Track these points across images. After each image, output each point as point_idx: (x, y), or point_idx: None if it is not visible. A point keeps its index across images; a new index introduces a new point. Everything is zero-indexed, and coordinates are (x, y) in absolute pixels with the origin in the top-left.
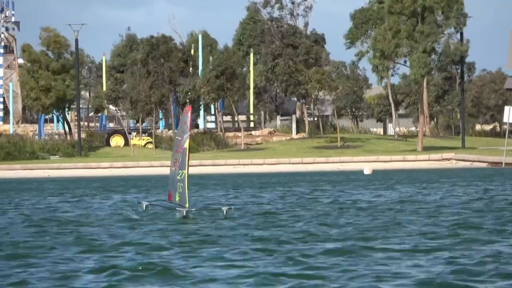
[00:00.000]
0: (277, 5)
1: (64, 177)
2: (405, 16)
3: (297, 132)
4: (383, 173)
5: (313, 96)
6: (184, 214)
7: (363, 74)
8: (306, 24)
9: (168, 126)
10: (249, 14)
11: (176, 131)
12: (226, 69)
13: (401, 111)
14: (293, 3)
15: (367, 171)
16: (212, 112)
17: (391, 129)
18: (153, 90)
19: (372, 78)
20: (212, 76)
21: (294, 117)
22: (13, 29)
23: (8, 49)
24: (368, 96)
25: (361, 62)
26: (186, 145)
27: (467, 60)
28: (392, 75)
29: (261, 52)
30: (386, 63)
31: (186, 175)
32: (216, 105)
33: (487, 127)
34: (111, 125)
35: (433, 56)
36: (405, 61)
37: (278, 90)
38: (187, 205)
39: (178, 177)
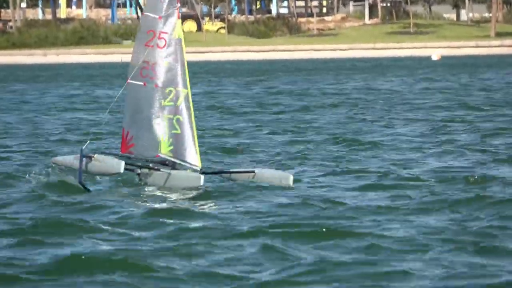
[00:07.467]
0: None
1: None
2: None
3: (370, 17)
4: (454, 59)
5: None
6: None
7: None
8: None
9: (241, 11)
10: None
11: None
12: None
13: None
14: None
15: (435, 57)
16: None
17: (464, 15)
18: None
19: None
20: None
21: (367, 2)
22: None
23: None
24: None
25: None
26: (178, 33)
27: None
28: None
29: None
30: None
31: (185, 99)
32: None
33: None
34: (184, 9)
35: None
36: None
37: None
38: (199, 162)
39: (165, 103)
